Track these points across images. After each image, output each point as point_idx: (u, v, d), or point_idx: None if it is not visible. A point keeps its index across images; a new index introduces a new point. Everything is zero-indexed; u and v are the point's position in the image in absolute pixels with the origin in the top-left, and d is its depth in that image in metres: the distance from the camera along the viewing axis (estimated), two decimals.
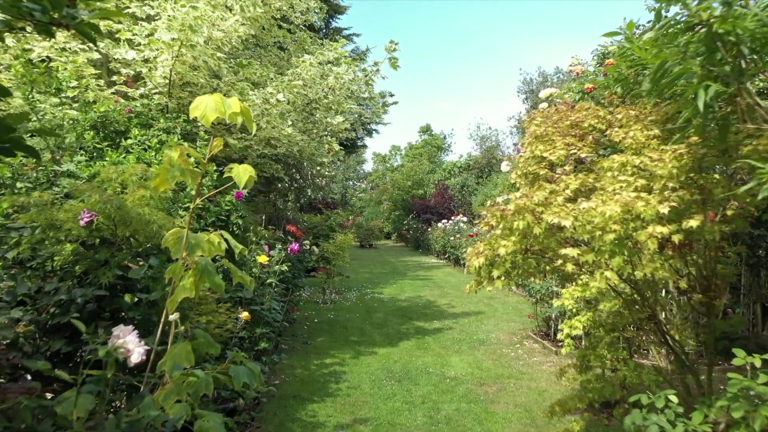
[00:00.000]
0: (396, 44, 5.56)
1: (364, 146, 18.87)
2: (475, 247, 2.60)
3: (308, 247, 6.38)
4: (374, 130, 17.59)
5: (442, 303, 8.87)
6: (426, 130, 33.94)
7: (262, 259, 3.74)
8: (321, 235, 9.85)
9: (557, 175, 2.55)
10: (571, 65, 5.96)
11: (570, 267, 2.18)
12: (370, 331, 6.69)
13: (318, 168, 9.27)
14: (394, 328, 6.88)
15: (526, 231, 2.25)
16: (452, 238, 15.07)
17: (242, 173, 2.16)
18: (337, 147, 5.38)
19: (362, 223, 23.39)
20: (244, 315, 3.21)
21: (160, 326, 2.11)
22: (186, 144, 3.82)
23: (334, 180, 36.33)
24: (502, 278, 2.53)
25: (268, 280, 3.76)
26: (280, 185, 9.12)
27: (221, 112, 2.00)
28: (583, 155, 2.53)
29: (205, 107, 2.03)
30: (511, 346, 5.94)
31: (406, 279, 12.15)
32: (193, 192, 3.48)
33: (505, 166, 6.07)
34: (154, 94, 4.53)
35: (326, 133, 5.47)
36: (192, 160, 2.26)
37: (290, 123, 4.53)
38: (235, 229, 4.28)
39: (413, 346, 5.95)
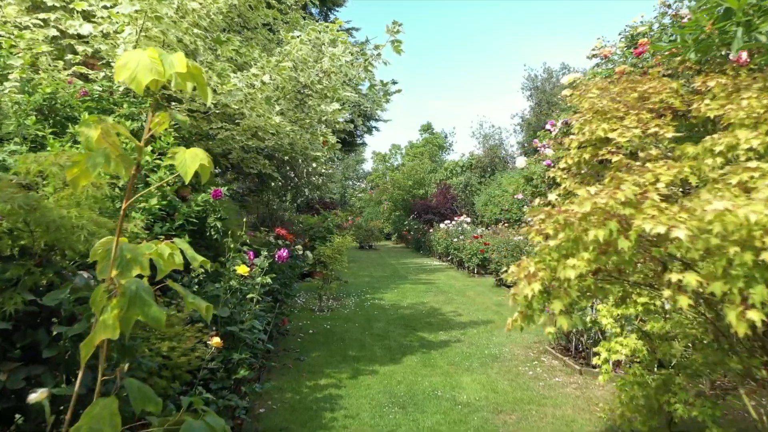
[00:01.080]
0: (399, 25, 4.94)
1: (364, 144, 18.25)
2: (521, 265, 1.97)
3: (301, 252, 5.77)
4: (374, 127, 16.96)
5: (448, 310, 8.25)
6: (427, 128, 33.31)
7: (242, 269, 3.13)
8: (317, 237, 9.24)
9: (636, 165, 1.91)
10: (594, 49, 5.33)
11: (684, 302, 1.50)
12: (370, 344, 6.06)
13: (314, 165, 8.65)
14: (397, 340, 6.26)
15: (604, 244, 1.63)
16: (455, 240, 14.45)
17: (189, 160, 1.51)
18: (333, 139, 4.76)
19: (362, 223, 22.77)
20: (215, 341, 2.59)
21: (81, 372, 1.48)
22: (172, 139, 3.20)
23: (333, 179, 35.65)
24: (566, 314, 1.88)
25: (249, 295, 3.14)
26: (273, 184, 8.51)
27: (159, 73, 1.35)
28: (668, 135, 1.90)
29: (136, 66, 1.37)
30: (527, 362, 5.31)
31: (408, 283, 11.53)
32: (152, 186, 2.87)
33: (521, 161, 5.46)
34: None
35: (321, 123, 4.85)
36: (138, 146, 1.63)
37: (278, 109, 3.92)
38: (213, 233, 3.66)
39: (418, 362, 5.33)
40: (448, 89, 67.06)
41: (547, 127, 5.09)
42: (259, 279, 3.16)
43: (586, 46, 48.27)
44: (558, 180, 2.50)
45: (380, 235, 24.29)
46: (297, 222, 9.54)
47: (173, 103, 3.94)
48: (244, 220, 3.90)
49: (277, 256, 3.95)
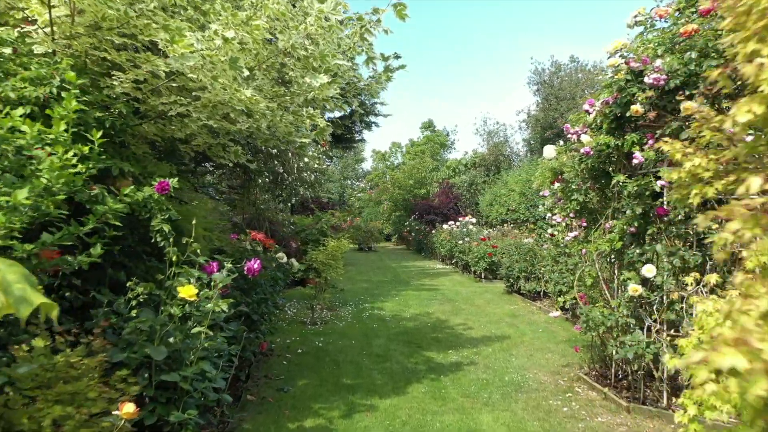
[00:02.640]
0: None
1: (362, 141, 17.32)
2: (722, 343, 0.99)
3: (284, 260, 4.86)
4: (373, 122, 16.00)
5: (456, 323, 7.32)
6: (428, 125, 32.35)
7: (186, 292, 2.21)
8: (310, 240, 8.32)
9: None
10: (637, 16, 4.41)
11: None
12: (368, 367, 5.14)
13: (305, 160, 7.73)
14: (400, 362, 5.34)
15: None
16: (460, 242, 13.53)
17: None
18: (322, 122, 3.84)
19: (361, 224, 21.87)
20: (126, 411, 1.67)
21: None
22: (74, 103, 2.28)
23: (331, 179, 34.67)
24: None
25: (194, 330, 2.22)
26: (260, 181, 7.59)
27: None
28: None
29: None
30: (559, 394, 4.39)
31: (410, 289, 10.61)
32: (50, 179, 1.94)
33: (549, 151, 4.54)
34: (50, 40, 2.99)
35: (308, 104, 3.94)
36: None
37: (255, 82, 3.02)
38: (158, 239, 2.74)
39: (426, 393, 4.41)
40: (449, 89, 66.05)
41: (585, 107, 4.18)
42: (210, 305, 2.24)
43: (591, 42, 47.11)
44: (681, 160, 1.58)
45: (380, 237, 23.39)
46: (288, 224, 8.65)
47: (114, 72, 3.02)
48: (227, 221, 2.97)
49: (246, 268, 3.04)
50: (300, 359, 5.36)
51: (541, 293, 9.08)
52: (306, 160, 7.51)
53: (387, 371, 5.02)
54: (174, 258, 2.39)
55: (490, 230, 14.22)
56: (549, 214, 8.68)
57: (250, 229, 7.18)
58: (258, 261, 3.08)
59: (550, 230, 10.98)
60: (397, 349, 5.85)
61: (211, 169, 6.36)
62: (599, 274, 4.36)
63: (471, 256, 12.18)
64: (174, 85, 3.30)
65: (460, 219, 15.14)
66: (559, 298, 4.91)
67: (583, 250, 4.51)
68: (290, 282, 8.83)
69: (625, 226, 3.93)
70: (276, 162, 7.08)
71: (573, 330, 6.82)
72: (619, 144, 3.96)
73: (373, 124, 16.00)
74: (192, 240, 2.56)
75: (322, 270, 6.87)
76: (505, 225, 16.30)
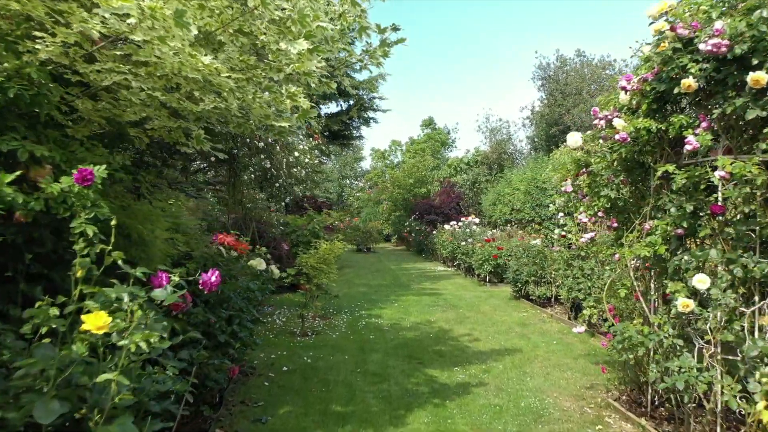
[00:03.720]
0: None
1: (360, 138, 16.66)
2: None
3: (263, 266, 4.18)
4: (371, 118, 15.34)
5: (461, 333, 6.65)
6: (429, 123, 31.64)
7: (93, 321, 1.55)
8: (301, 242, 7.65)
9: None
10: None
11: None
12: (362, 389, 4.47)
13: (296, 154, 7.06)
14: (399, 382, 4.67)
15: None
16: (463, 243, 12.86)
17: None
18: (305, 103, 3.17)
19: (359, 225, 21.20)
20: None
21: None
22: None
23: (329, 177, 33.93)
24: None
25: (100, 377, 1.52)
26: (246, 177, 6.91)
27: None
28: None
29: None
30: (587, 426, 3.72)
31: (411, 294, 9.94)
32: None
33: (574, 139, 3.87)
34: None
35: (289, 81, 3.27)
36: None
37: (196, 32, 2.36)
38: (82, 246, 2.06)
39: (429, 424, 3.74)
40: (450, 88, 65.29)
41: (621, 83, 3.49)
42: (124, 342, 1.56)
43: (596, 39, 46.25)
44: None
45: (379, 237, 22.72)
46: (278, 224, 7.99)
47: (38, 34, 2.36)
48: (211, 221, 2.32)
49: (201, 281, 2.38)
50: (285, 379, 4.69)
51: (552, 299, 8.41)
52: (296, 154, 6.84)
53: (384, 395, 4.34)
54: (80, 273, 1.72)
55: (494, 231, 13.55)
56: (561, 214, 8.02)
57: (236, 230, 6.52)
58: (216, 272, 2.42)
59: (557, 231, 10.32)
60: (396, 365, 5.17)
61: (199, 161, 5.70)
62: (635, 284, 3.69)
63: (475, 259, 11.51)
64: (119, 53, 2.63)
65: (463, 219, 14.47)
66: (584, 311, 4.24)
67: (615, 255, 3.83)
68: (280, 287, 8.18)
69: (669, 227, 3.26)
70: (263, 156, 6.41)
71: (591, 342, 6.16)
72: (663, 128, 3.29)
73: (371, 120, 15.36)
74: (107, 247, 1.89)
75: (313, 275, 6.20)
76: (509, 225, 15.64)
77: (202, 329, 3.02)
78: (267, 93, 3.16)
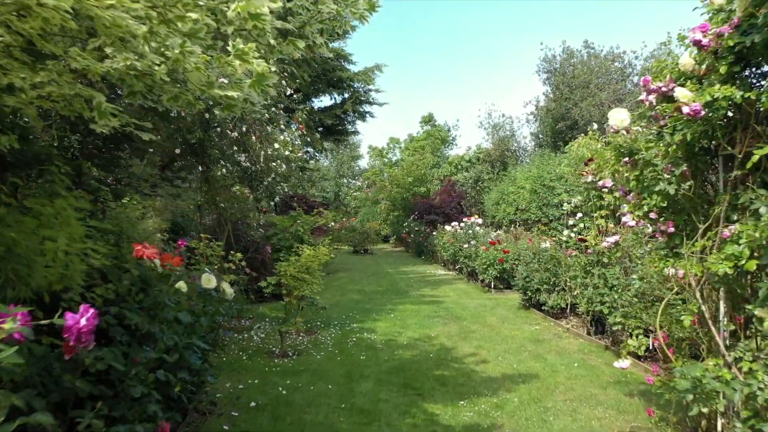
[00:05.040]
0: None
1: (355, 132, 15.70)
2: None
3: (212, 284, 3.27)
4: (367, 112, 14.43)
5: (466, 352, 5.75)
6: (428, 120, 30.67)
7: None
8: (284, 247, 6.75)
9: None
10: None
11: None
12: None
13: (276, 146, 6.14)
14: (391, 424, 3.77)
15: None
16: (465, 246, 11.96)
17: None
18: (261, 66, 2.27)
19: (356, 225, 20.30)
20: None
21: None
22: None
23: (325, 176, 32.92)
24: None
25: None
26: (219, 173, 6.00)
27: None
28: None
29: None
30: None
31: (408, 302, 9.04)
32: None
33: (619, 116, 2.96)
34: None
35: (236, 33, 2.38)
36: None
37: None
38: None
39: None
40: (450, 86, 64.24)
41: (693, 35, 2.58)
42: None
43: (603, 33, 45.16)
44: None
45: (377, 238, 21.81)
46: (256, 226, 7.09)
47: None
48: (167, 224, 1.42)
49: (65, 327, 1.47)
50: (250, 420, 3.78)
51: (567, 309, 7.51)
52: (276, 146, 5.94)
53: None
54: None
55: (499, 232, 12.65)
56: (580, 214, 7.14)
57: (207, 233, 5.62)
58: (89, 312, 1.52)
59: (566, 232, 9.41)
60: (389, 399, 4.27)
61: (154, 152, 4.78)
62: (702, 308, 2.78)
63: (478, 262, 10.61)
64: None
65: (465, 220, 13.57)
66: (629, 341, 3.34)
67: (676, 271, 2.91)
68: (261, 297, 7.28)
69: (761, 234, 2.35)
70: (235, 148, 5.50)
71: (617, 367, 5.26)
72: (752, 97, 2.38)
73: (367, 114, 14.44)
74: None
75: (294, 287, 5.29)
76: (514, 226, 14.75)
77: (108, 379, 2.11)
78: (204, 50, 2.26)
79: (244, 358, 5.38)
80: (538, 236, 12.01)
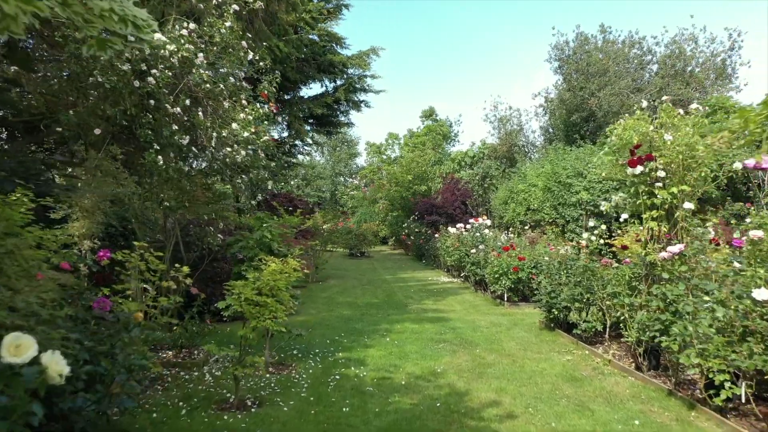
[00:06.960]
0: None
1: (350, 124, 14.22)
2: None
3: (28, 355, 1.77)
4: (362, 101, 12.98)
5: (484, 400, 4.31)
6: (429, 114, 29.17)
7: None
8: (248, 258, 5.31)
9: None
10: None
11: None
12: None
13: (234, 127, 4.67)
14: None
15: None
16: (473, 251, 10.52)
17: None
18: None
19: (353, 228, 18.85)
20: None
21: None
22: None
23: (320, 174, 31.31)
24: None
25: None
26: (162, 161, 4.55)
27: None
28: None
29: None
30: None
31: (408, 319, 7.61)
32: None
33: None
34: None
35: None
36: None
37: None
38: None
39: None
40: (452, 83, 62.71)
41: None
42: None
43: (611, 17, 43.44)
44: None
45: (375, 240, 20.35)
46: (214, 231, 5.67)
47: None
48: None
49: None
50: None
51: (605, 332, 6.07)
52: (234, 126, 4.49)
53: None
54: None
55: (511, 235, 11.21)
56: (626, 215, 5.71)
57: (150, 244, 4.18)
58: None
59: (585, 235, 7.97)
60: None
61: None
62: None
63: (489, 270, 9.16)
64: None
65: (472, 221, 12.12)
66: (722, 392, 1.90)
67: None
68: (219, 318, 5.86)
69: None
70: (175, 128, 4.06)
71: (693, 419, 3.83)
72: None
73: (362, 103, 12.97)
74: None
75: (250, 316, 3.85)
76: (524, 228, 13.33)
77: None
78: None
79: (183, 412, 3.94)
80: (556, 240, 10.59)
